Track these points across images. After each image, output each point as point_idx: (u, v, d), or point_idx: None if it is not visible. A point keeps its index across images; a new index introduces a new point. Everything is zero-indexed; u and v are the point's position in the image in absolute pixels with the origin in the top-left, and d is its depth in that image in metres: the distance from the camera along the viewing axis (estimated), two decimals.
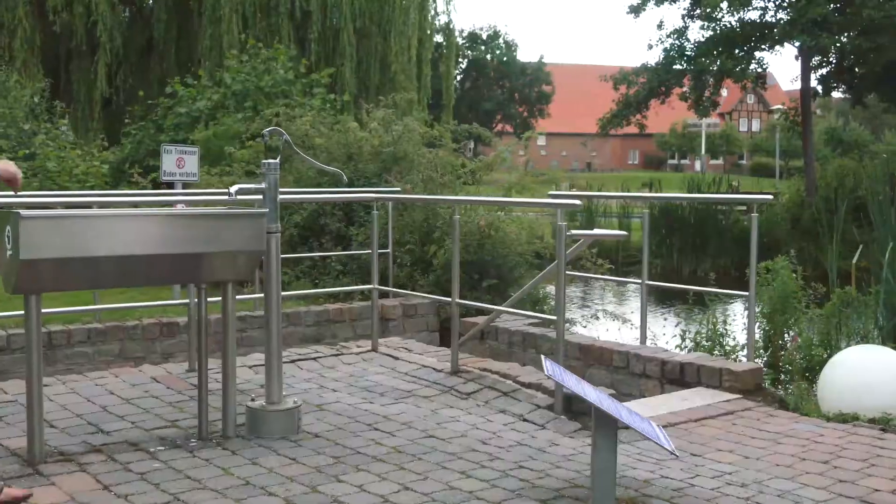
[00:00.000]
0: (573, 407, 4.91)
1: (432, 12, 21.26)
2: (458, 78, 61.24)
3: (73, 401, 4.87)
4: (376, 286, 6.26)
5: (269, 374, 4.41)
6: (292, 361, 5.93)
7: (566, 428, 4.65)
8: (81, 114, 18.39)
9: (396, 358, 6.05)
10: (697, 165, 63.59)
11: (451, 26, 23.01)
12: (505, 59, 60.49)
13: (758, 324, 7.79)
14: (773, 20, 20.41)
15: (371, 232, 6.26)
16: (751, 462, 4.22)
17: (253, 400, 4.45)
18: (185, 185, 8.88)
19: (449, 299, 5.71)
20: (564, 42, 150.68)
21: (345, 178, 4.71)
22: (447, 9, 28.20)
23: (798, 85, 22.82)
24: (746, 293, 5.96)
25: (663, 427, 4.81)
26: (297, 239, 10.11)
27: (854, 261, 7.43)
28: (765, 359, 7.65)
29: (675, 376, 5.89)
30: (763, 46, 20.82)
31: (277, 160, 4.40)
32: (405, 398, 5.13)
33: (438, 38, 24.45)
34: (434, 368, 5.71)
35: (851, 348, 5.73)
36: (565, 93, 63.42)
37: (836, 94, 27.27)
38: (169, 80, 14.75)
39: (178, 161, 8.45)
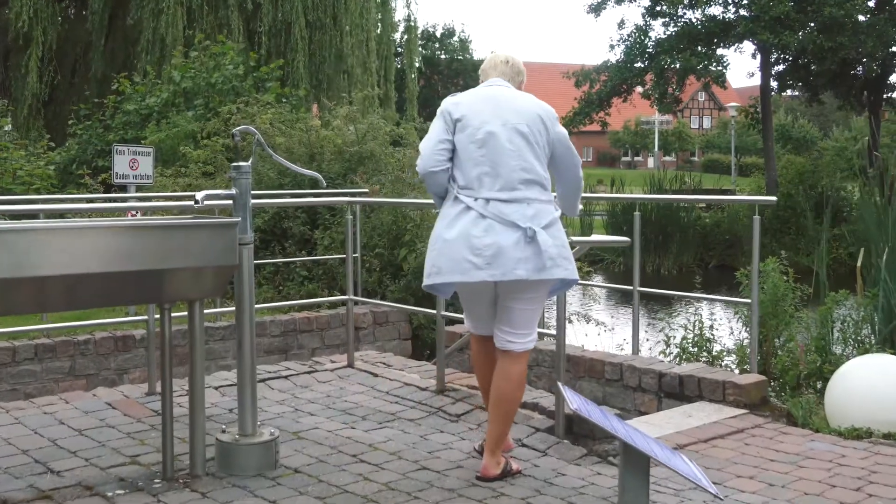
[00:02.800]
0: (574, 428, 4.51)
1: (393, 5, 20.74)
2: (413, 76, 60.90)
3: (19, 433, 4.34)
4: (352, 297, 5.79)
5: (243, 403, 3.93)
6: (262, 381, 5.43)
7: (570, 454, 4.24)
8: (25, 113, 17.51)
9: (375, 375, 5.59)
10: (651, 162, 63.97)
11: (413, 20, 22.51)
12: (459, 57, 60.10)
13: (746, 329, 7.48)
14: (735, 17, 20.28)
15: (346, 238, 5.79)
16: (777, 490, 3.86)
17: (224, 431, 3.96)
18: (139, 189, 8.31)
19: (433, 311, 5.27)
20: (524, 41, 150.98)
21: (323, 181, 4.25)
22: (408, 1, 27.61)
23: (750, 82, 22.80)
24: (748, 300, 5.60)
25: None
26: (259, 243, 9.59)
27: (858, 263, 7.14)
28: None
29: (674, 390, 5.52)
30: (725, 44, 20.70)
31: (249, 163, 3.92)
32: (390, 422, 4.68)
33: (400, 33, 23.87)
34: (418, 387, 5.26)
35: (859, 359, 5.41)
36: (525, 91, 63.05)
37: (791, 92, 27.38)
38: (114, 75, 14.02)
39: (132, 162, 7.89)
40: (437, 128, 3.73)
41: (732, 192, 24.71)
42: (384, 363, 5.88)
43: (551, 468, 4.02)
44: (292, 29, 18.51)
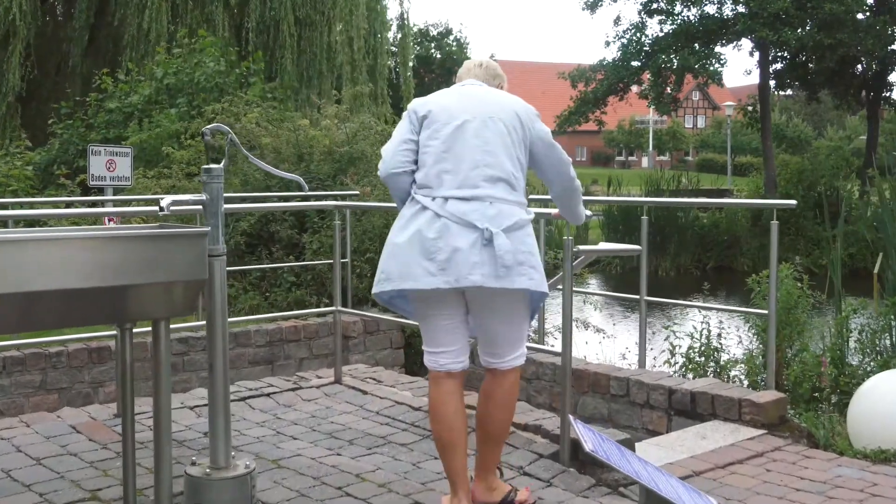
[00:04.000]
0: (580, 455, 4.12)
1: (386, 3, 20.34)
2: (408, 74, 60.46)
3: None
4: (339, 308, 5.39)
5: (215, 432, 3.54)
6: (242, 399, 5.05)
7: (578, 485, 3.85)
8: (3, 111, 17.01)
9: (365, 392, 5.20)
10: (645, 162, 63.67)
11: (407, 17, 22.09)
12: (455, 56, 59.74)
13: (757, 339, 7.12)
14: (732, 14, 19.93)
15: (334, 244, 5.40)
16: None
17: (194, 463, 3.57)
18: (117, 191, 7.91)
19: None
20: (519, 40, 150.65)
21: (305, 185, 3.86)
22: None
23: (744, 81, 22.50)
24: (764, 311, 5.22)
25: (687, 478, 4.06)
26: (245, 248, 9.20)
27: (876, 270, 6.77)
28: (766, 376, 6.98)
29: (685, 407, 5.14)
30: (723, 41, 20.35)
31: (222, 165, 3.53)
32: (380, 447, 4.29)
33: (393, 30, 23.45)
34: (410, 406, 4.87)
35: (884, 374, 5.04)
36: (517, 89, 62.61)
37: (786, 91, 27.09)
38: (96, 72, 13.57)
39: (109, 163, 7.49)
40: (401, 128, 3.42)
41: (731, 193, 24.41)
42: (374, 378, 5.49)
43: (557, 501, 3.64)
44: (280, 26, 18.11)
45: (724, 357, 7.23)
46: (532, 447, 4.19)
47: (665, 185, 22.55)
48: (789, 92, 25.60)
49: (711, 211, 21.57)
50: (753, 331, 6.88)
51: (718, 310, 6.17)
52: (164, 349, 3.34)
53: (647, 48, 20.57)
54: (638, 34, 20.76)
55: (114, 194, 7.64)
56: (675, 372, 6.74)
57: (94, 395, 6.81)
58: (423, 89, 58.67)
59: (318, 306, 8.62)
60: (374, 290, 3.34)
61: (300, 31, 18.49)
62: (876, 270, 6.77)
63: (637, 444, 4.66)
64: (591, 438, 2.84)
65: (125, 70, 12.93)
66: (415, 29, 60.21)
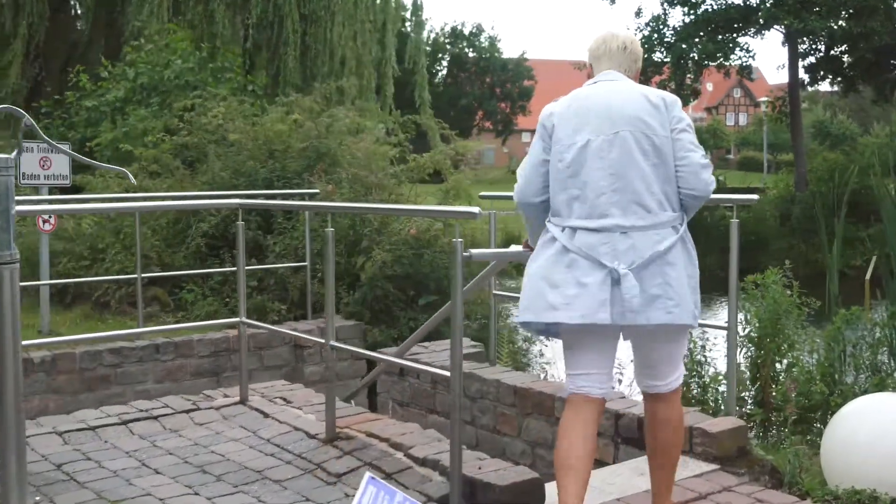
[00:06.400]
0: (478, 497, 3.47)
1: None
2: (442, 74, 59.79)
3: None
4: (243, 319, 4.78)
5: (6, 483, 2.94)
6: (124, 423, 4.46)
7: None
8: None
9: (266, 415, 4.59)
10: None
11: (420, 9, 21.44)
12: (487, 55, 59.15)
13: (744, 350, 6.37)
14: (757, 1, 18.98)
15: (238, 246, 4.79)
16: None
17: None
18: (54, 191, 7.41)
19: (320, 340, 4.26)
20: (548, 38, 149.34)
21: (132, 179, 3.27)
22: None
23: (785, 76, 21.42)
24: (723, 325, 4.49)
25: None
26: (206, 250, 8.64)
27: (868, 276, 5.98)
28: (752, 393, 6.23)
29: (633, 434, 4.45)
30: (748, 31, 19.41)
31: (12, 155, 2.93)
32: (249, 484, 3.68)
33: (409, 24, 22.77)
34: (307, 433, 4.25)
35: (864, 398, 4.29)
36: (550, 89, 61.94)
37: (825, 86, 25.96)
38: (70, 70, 13.14)
39: (43, 161, 6.96)
40: (535, 146, 3.12)
41: (761, 191, 23.40)
42: (284, 398, 4.87)
43: None
44: (284, 22, 17.62)
45: (712, 370, 6.49)
46: (424, 487, 3.55)
47: None
48: (831, 87, 24.43)
49: (738, 210, 20.60)
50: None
51: None
52: None
53: (669, 39, 19.68)
54: (659, 26, 19.88)
55: (49, 194, 7.13)
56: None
57: None
58: (457, 88, 58.30)
59: (279, 312, 8.04)
60: (517, 320, 3.15)
61: (304, 27, 18.00)
62: (868, 276, 5.97)
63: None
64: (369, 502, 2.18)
65: (104, 67, 12.47)
66: (447, 28, 59.90)
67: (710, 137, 64.67)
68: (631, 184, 2.94)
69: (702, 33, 19.03)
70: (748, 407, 6.12)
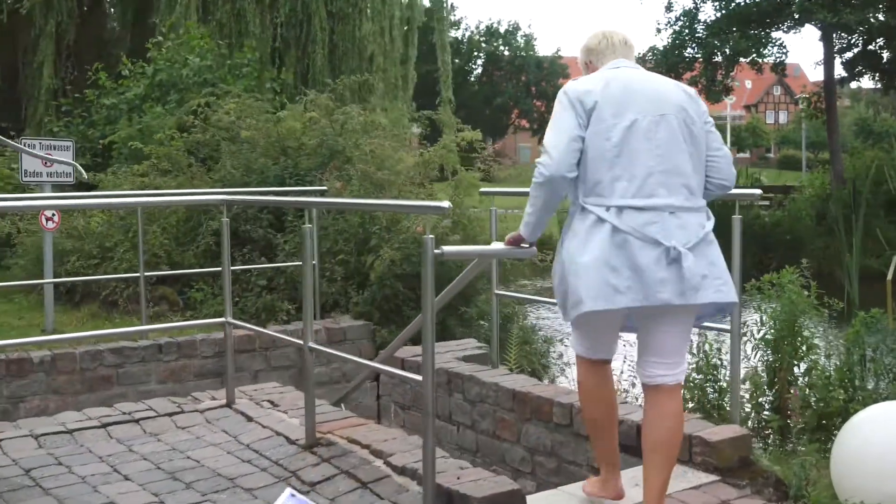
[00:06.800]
0: None
1: None
2: (477, 72, 59.56)
3: None
4: (229, 319, 4.63)
5: None
6: (104, 426, 4.33)
7: None
8: (40, 110, 16.79)
9: (250, 418, 4.43)
10: None
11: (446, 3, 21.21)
12: (524, 53, 58.87)
13: (759, 354, 6.10)
14: None
15: (222, 244, 4.64)
16: None
17: None
18: (56, 189, 7.34)
19: (299, 342, 4.08)
20: (582, 35, 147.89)
21: (83, 173, 3.13)
22: None
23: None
24: (726, 327, 4.24)
25: None
26: (217, 249, 8.53)
27: (889, 275, 5.66)
28: (769, 398, 5.95)
29: (631, 442, 4.22)
30: (782, 27, 18.94)
31: None
32: (220, 491, 3.52)
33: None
34: (288, 438, 4.09)
35: (878, 406, 4.03)
36: None
37: (864, 82, 25.31)
38: (88, 69, 13.13)
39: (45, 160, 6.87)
40: (566, 120, 3.00)
41: (796, 190, 22.86)
42: (272, 401, 4.71)
43: None
44: (312, 20, 17.59)
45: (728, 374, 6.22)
46: (399, 498, 3.37)
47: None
48: (873, 84, 23.78)
49: (773, 209, 20.17)
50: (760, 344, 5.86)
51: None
52: None
53: (700, 34, 19.25)
54: (690, 21, 19.45)
55: (51, 191, 7.05)
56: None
57: (13, 413, 6.19)
58: (492, 86, 58.02)
59: (288, 312, 7.91)
60: (567, 317, 3.05)
61: (332, 25, 17.97)
62: (890, 276, 5.65)
63: (552, 492, 3.79)
64: None
65: (125, 65, 12.45)
66: (482, 26, 59.64)
67: (748, 136, 63.70)
68: (678, 166, 2.96)
69: (734, 28, 18.59)
70: (765, 413, 5.86)
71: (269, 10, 17.52)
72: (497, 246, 3.55)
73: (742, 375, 6.06)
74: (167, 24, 12.83)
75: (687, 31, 19.54)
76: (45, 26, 16.21)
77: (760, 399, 5.93)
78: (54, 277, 7.47)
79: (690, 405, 5.35)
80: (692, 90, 3.17)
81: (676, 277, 2.88)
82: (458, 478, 3.43)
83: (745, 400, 5.98)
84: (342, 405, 5.47)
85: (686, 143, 3.00)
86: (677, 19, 19.85)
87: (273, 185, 8.57)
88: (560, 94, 3.12)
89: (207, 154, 9.27)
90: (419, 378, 3.23)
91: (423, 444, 3.18)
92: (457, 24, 56.44)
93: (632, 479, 3.81)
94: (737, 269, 4.11)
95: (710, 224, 3.03)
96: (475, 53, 59.88)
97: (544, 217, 3.11)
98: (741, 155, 62.14)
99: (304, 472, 3.66)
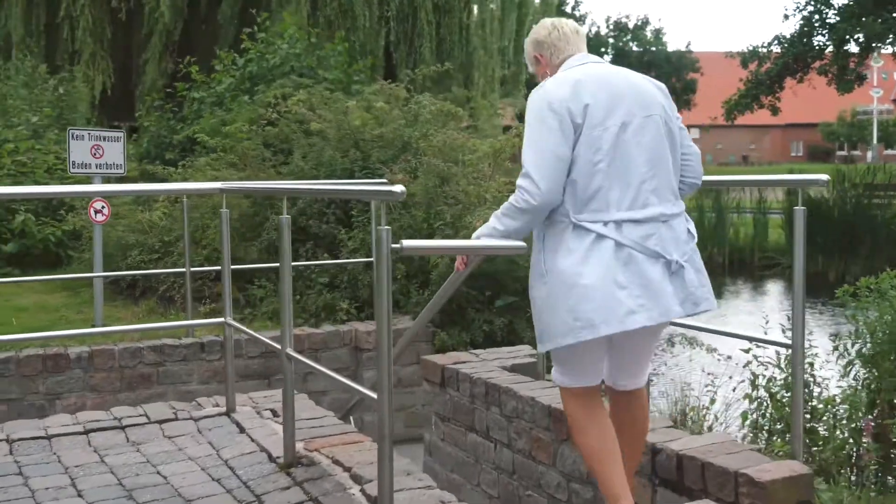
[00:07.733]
0: None
1: None
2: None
3: None
4: (228, 320, 4.21)
5: None
6: (86, 432, 4.00)
7: None
8: (148, 104, 17.18)
9: (243, 429, 4.01)
10: (870, 156, 57.98)
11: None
12: (653, 48, 57.26)
13: (856, 371, 5.25)
14: None
15: (222, 240, 4.23)
16: None
17: None
18: (107, 180, 7.17)
19: (279, 346, 3.60)
20: (715, 30, 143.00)
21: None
22: None
23: None
24: (787, 342, 3.49)
25: None
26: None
27: None
28: (871, 422, 5.08)
29: (671, 475, 3.56)
30: None
31: None
32: None
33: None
34: (270, 455, 3.63)
35: None
36: (718, 82, 58.92)
37: None
38: (178, 61, 13.16)
39: (94, 149, 6.70)
40: (552, 137, 2.69)
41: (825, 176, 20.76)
42: (274, 411, 4.27)
43: None
44: (418, 13, 17.34)
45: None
46: None
47: (858, 180, 19.48)
48: None
49: None
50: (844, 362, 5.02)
51: (736, 337, 4.28)
52: None
53: (831, 20, 17.80)
54: (821, 6, 18.00)
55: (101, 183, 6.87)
56: (724, 424, 5.03)
57: (49, 409, 6.02)
58: None
59: (349, 311, 7.51)
60: (567, 341, 2.74)
61: (438, 18, 17.68)
62: None
63: None
64: None
65: (219, 59, 12.39)
66: (611, 21, 58.30)
67: None
68: (665, 169, 2.80)
69: (867, 10, 17.08)
70: (865, 441, 5.01)
71: (378, 4, 17.32)
72: (461, 240, 3.03)
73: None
74: (263, 16, 12.68)
75: (817, 16, 18.12)
76: (155, 25, 16.52)
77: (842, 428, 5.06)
78: (115, 271, 7.32)
79: (741, 432, 4.59)
80: (663, 85, 2.92)
81: (680, 290, 2.75)
82: None
83: (836, 426, 5.16)
84: (350, 418, 4.99)
85: (668, 143, 2.81)
86: (807, 3, 18.44)
87: (342, 178, 8.20)
88: (536, 102, 2.74)
89: (281, 147, 8.99)
90: (374, 395, 2.70)
91: (379, 478, 2.65)
92: (582, 19, 55.39)
93: None
94: (799, 270, 3.37)
95: (692, 227, 2.89)
96: (602, 50, 58.64)
97: (521, 231, 2.82)
98: (889, 151, 58.31)
99: (269, 498, 3.19)
